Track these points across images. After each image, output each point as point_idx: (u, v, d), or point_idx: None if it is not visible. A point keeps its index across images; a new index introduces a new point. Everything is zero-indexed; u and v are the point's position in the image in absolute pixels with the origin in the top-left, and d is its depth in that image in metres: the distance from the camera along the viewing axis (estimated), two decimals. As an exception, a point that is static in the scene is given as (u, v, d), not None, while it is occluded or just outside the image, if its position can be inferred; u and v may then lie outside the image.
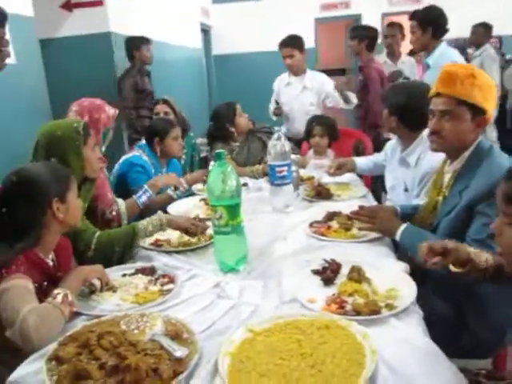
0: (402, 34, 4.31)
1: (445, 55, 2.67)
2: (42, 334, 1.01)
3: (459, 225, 1.41)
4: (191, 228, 1.63)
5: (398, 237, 1.50)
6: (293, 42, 3.35)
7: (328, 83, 3.39)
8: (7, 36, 1.65)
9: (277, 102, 3.53)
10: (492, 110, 1.42)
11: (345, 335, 0.96)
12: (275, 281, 1.30)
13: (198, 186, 2.43)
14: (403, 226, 1.50)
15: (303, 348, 0.93)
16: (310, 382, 0.83)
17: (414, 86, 1.88)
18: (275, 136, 1.94)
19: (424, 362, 0.88)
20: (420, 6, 7.58)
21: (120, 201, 1.90)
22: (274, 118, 3.59)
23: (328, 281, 1.25)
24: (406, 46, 4.51)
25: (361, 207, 1.66)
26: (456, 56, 2.72)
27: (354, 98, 3.36)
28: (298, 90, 3.41)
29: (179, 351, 0.93)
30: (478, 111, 1.40)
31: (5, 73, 1.75)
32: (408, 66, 4.11)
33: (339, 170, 2.26)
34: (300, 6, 7.35)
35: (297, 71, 3.43)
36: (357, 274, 1.21)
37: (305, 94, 3.39)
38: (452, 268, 1.13)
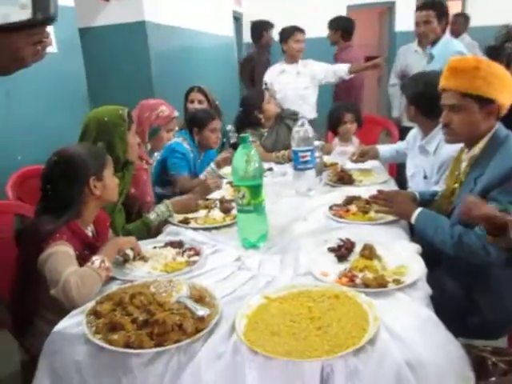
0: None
1: (449, 46, 2.70)
2: (82, 293, 1.15)
3: None
4: (194, 207, 1.85)
5: (413, 220, 1.56)
6: (303, 31, 3.58)
7: (318, 65, 3.62)
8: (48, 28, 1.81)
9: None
10: (504, 97, 1.45)
11: (352, 304, 1.05)
12: (292, 256, 1.39)
13: (225, 170, 2.54)
14: (418, 210, 1.56)
15: (312, 313, 1.03)
16: (315, 340, 0.93)
17: (431, 74, 1.91)
18: (299, 123, 2.02)
19: (423, 330, 0.96)
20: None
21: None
22: None
23: (342, 257, 1.33)
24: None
25: (379, 191, 1.72)
26: (460, 46, 2.74)
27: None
28: (293, 75, 3.57)
29: (201, 311, 1.04)
30: (485, 101, 1.44)
31: (46, 61, 1.90)
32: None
33: (362, 157, 2.32)
34: (332, -8, 7.30)
35: (297, 58, 3.60)
36: (368, 252, 1.29)
37: (299, 79, 3.53)
38: (487, 237, 1.17)
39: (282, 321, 1.01)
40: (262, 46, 4.19)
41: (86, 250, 1.38)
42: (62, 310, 1.21)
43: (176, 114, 2.27)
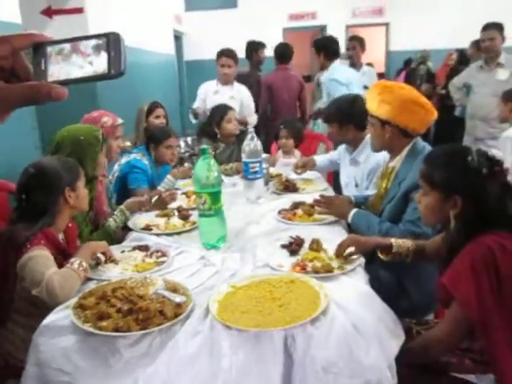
0: (362, 46, 4.72)
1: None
2: (64, 291, 1.26)
3: (399, 209, 1.75)
4: (144, 204, 2.00)
5: (349, 219, 1.82)
6: (232, 54, 3.73)
7: (247, 96, 3.84)
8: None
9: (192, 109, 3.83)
10: (400, 118, 1.76)
11: (306, 286, 1.26)
12: (251, 253, 1.58)
13: (181, 182, 2.70)
14: (354, 211, 1.82)
15: (274, 295, 1.22)
16: (278, 315, 1.12)
17: (350, 96, 2.33)
18: (249, 137, 2.23)
19: (363, 301, 1.19)
20: (383, 19, 8.11)
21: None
22: (194, 121, 3.87)
23: (293, 252, 1.54)
24: (365, 56, 4.94)
25: (321, 196, 1.97)
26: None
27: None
28: (226, 98, 3.68)
29: (178, 298, 1.20)
30: (383, 122, 1.78)
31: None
32: (368, 76, 4.54)
33: (303, 167, 2.59)
34: (269, 15, 7.72)
35: (228, 81, 3.76)
36: (316, 245, 1.52)
37: (231, 103, 3.59)
38: (380, 255, 1.47)
39: (248, 302, 1.19)
40: (254, 63, 4.63)
41: (59, 256, 1.47)
42: (32, 314, 1.31)
43: (119, 121, 2.36)
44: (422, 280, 1.78)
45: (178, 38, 7.66)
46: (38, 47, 0.55)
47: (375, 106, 1.77)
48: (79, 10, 4.04)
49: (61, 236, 1.56)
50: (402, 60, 7.04)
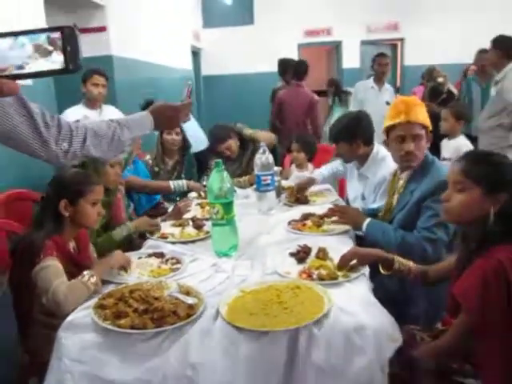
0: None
1: None
2: (69, 301, 1.34)
3: (411, 217, 1.82)
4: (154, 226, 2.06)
5: (364, 227, 1.89)
6: (104, 72, 3.47)
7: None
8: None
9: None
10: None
11: (311, 291, 1.33)
12: (260, 261, 1.66)
13: (192, 194, 2.80)
14: (368, 220, 1.89)
15: (280, 299, 1.29)
16: (284, 317, 1.20)
17: (353, 113, 2.42)
18: (260, 150, 2.32)
19: (364, 307, 1.25)
20: (398, 35, 8.20)
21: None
22: None
23: (301, 260, 1.62)
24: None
25: (335, 205, 2.05)
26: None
27: None
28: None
29: (190, 300, 1.28)
30: (426, 129, 1.86)
31: (22, 91, 2.11)
32: (390, 93, 4.66)
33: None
34: (285, 31, 7.88)
35: (95, 104, 3.44)
36: (322, 254, 1.59)
37: None
38: (381, 270, 1.53)
39: (256, 305, 1.27)
40: (287, 79, 4.95)
41: (70, 265, 1.56)
42: (54, 314, 1.41)
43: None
44: (430, 289, 1.83)
45: (195, 53, 7.88)
46: None
47: (423, 116, 1.84)
48: (102, 29, 4.24)
49: (72, 244, 1.65)
50: (416, 74, 7.09)
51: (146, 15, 5.22)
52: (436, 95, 4.94)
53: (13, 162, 2.65)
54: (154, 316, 1.20)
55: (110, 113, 3.38)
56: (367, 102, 4.41)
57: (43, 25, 3.19)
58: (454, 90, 5.38)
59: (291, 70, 4.78)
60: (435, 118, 3.50)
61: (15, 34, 0.54)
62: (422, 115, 1.84)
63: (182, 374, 1.14)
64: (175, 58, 6.38)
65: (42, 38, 0.54)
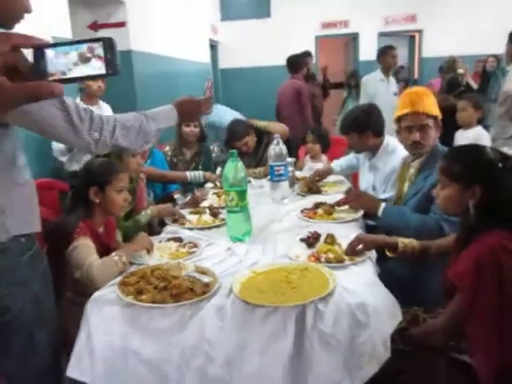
0: None
1: None
2: (102, 276, 1.47)
3: (424, 203, 1.88)
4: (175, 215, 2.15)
5: (380, 211, 1.96)
6: None
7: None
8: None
9: None
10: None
11: (318, 273, 1.42)
12: (272, 246, 1.76)
13: (209, 185, 2.92)
14: (383, 204, 1.98)
15: (289, 279, 1.39)
16: (292, 294, 1.29)
17: (364, 106, 2.47)
18: (274, 142, 2.41)
19: (368, 287, 1.34)
20: (416, 26, 8.13)
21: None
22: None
23: (310, 245, 1.71)
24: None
25: (350, 190, 2.14)
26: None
27: None
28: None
29: (206, 279, 1.39)
30: (436, 119, 1.92)
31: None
32: (394, 84, 4.67)
33: (319, 177, 2.73)
34: (302, 24, 7.90)
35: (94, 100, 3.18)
36: (330, 239, 1.68)
37: None
38: (387, 253, 1.61)
39: (266, 284, 1.37)
40: (304, 76, 5.28)
41: (100, 247, 1.68)
42: (82, 292, 1.52)
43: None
44: (438, 271, 1.89)
45: (213, 46, 7.97)
46: (39, 49, 0.62)
47: (430, 106, 1.90)
48: (122, 24, 4.37)
49: (101, 229, 1.78)
50: (434, 66, 7.05)
51: (165, 10, 5.32)
52: (454, 87, 4.94)
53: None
54: (173, 292, 1.32)
55: (105, 111, 3.22)
56: (378, 94, 4.44)
57: (66, 20, 3.33)
58: (473, 84, 5.34)
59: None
60: (452, 109, 3.54)
61: (63, 44, 0.64)
62: (429, 105, 1.90)
63: (199, 349, 1.24)
64: (193, 51, 6.49)
65: (84, 47, 0.63)
